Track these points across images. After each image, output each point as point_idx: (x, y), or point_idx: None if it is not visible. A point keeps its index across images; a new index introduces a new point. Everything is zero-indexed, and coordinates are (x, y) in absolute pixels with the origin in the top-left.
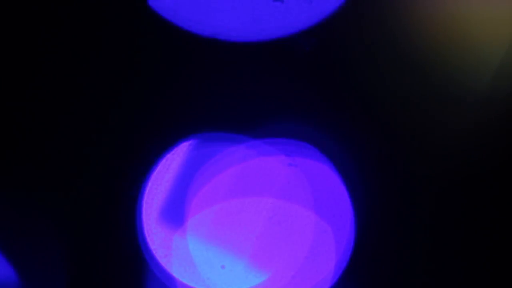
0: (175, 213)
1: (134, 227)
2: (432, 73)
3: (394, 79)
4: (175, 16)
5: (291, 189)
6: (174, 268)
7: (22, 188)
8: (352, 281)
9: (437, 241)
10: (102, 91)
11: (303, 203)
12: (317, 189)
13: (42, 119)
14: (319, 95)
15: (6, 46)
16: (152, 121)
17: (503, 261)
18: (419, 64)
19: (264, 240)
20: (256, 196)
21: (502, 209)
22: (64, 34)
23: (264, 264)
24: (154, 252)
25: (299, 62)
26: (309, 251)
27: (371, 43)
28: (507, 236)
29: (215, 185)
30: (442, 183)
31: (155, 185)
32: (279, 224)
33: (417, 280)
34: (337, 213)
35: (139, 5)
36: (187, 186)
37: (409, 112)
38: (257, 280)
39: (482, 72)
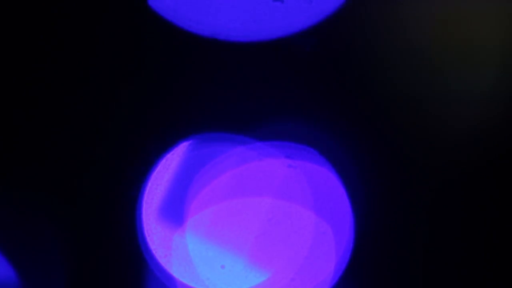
0: (175, 213)
1: (134, 227)
2: (432, 73)
3: (394, 80)
4: (175, 16)
5: (290, 191)
6: (174, 268)
7: (22, 188)
8: (352, 282)
9: (436, 241)
10: (102, 91)
11: (303, 205)
12: (316, 191)
13: (42, 119)
14: (319, 96)
15: (6, 46)
16: (152, 121)
17: (503, 261)
18: (419, 64)
19: (264, 241)
20: (255, 197)
21: (502, 209)
22: (64, 34)
23: (264, 264)
24: (154, 252)
25: (299, 62)
26: (308, 252)
27: (371, 43)
28: (507, 236)
29: (215, 186)
30: (442, 184)
31: (155, 185)
32: (279, 225)
33: (417, 280)
34: (336, 215)
35: (139, 5)
36: (187, 186)
37: (409, 113)
38: (257, 280)
39: (482, 72)
